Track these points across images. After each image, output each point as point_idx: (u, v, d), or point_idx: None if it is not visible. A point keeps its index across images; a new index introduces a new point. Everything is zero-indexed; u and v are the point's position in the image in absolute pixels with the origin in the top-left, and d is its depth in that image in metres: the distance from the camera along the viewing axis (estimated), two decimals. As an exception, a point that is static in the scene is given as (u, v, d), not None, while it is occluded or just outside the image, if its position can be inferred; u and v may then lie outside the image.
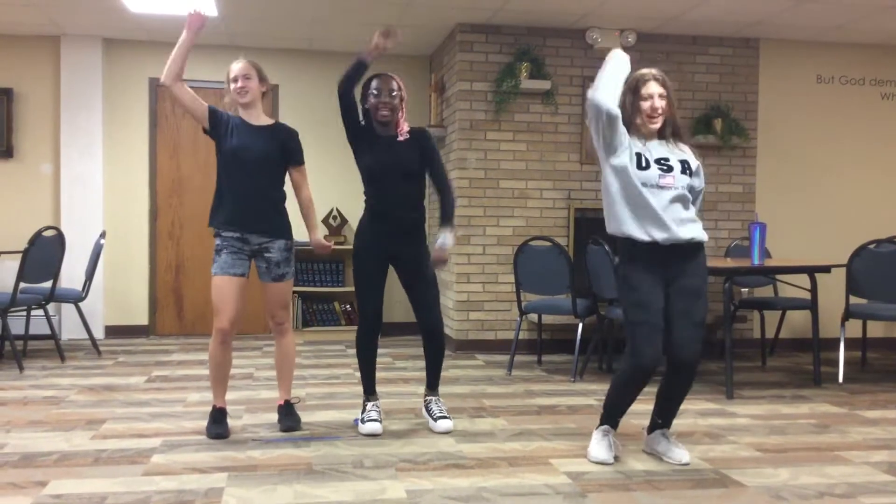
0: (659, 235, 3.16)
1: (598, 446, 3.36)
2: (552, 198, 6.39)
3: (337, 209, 7.08)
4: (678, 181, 3.20)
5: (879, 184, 6.95)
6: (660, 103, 3.20)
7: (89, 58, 6.72)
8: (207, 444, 3.55)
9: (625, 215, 3.22)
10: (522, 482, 3.10)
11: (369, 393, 3.91)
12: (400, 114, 3.80)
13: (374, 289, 3.82)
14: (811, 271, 5.07)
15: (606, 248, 4.94)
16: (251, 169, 3.68)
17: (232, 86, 3.71)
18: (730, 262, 5.31)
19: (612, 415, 3.40)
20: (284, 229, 3.78)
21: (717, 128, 6.39)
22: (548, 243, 5.37)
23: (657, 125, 3.23)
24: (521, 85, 6.15)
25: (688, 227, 3.20)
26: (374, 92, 3.78)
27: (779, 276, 6.02)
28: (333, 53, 7.17)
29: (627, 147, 3.20)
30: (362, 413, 3.85)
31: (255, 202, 3.69)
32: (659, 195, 3.17)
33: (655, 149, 3.24)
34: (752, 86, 6.66)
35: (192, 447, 3.52)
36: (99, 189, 6.79)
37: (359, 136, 3.80)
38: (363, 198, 3.86)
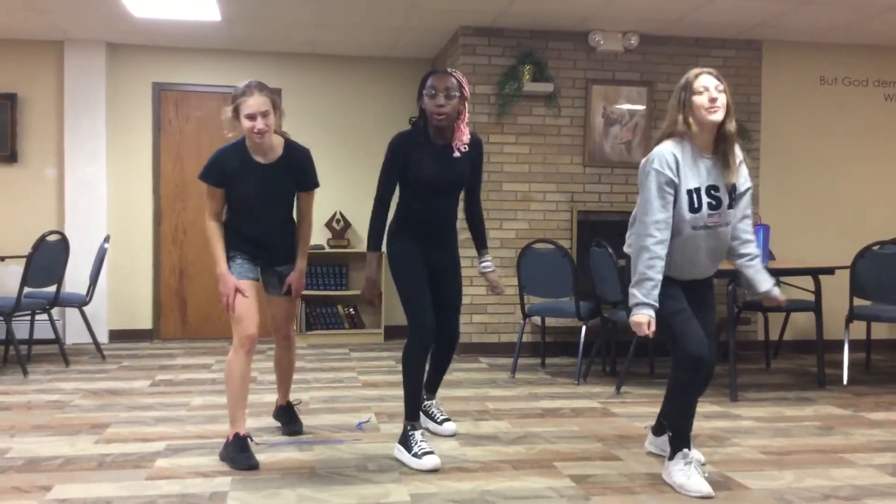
0: (688, 275, 3.09)
1: (692, 478, 3.01)
2: (555, 200, 6.39)
3: (340, 213, 7.09)
4: (724, 217, 3.03)
5: (883, 185, 6.94)
6: (718, 94, 2.94)
7: (93, 62, 6.74)
8: (211, 448, 3.55)
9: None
10: (526, 485, 3.10)
11: (415, 418, 3.45)
12: (460, 117, 3.40)
13: (426, 299, 3.44)
14: (815, 273, 5.06)
15: (609, 250, 4.94)
16: (265, 215, 3.46)
17: (246, 123, 3.26)
18: (732, 265, 5.29)
19: (683, 434, 3.10)
20: (291, 256, 3.60)
21: (720, 130, 6.38)
22: (551, 246, 5.37)
23: (719, 117, 2.93)
24: (523, 88, 6.15)
25: (713, 266, 3.13)
26: (430, 91, 3.32)
27: (782, 278, 6.00)
28: (336, 57, 7.18)
29: (676, 195, 2.98)
30: (406, 443, 3.38)
31: (273, 238, 3.51)
32: (705, 236, 3.03)
33: (707, 172, 2.99)
34: (755, 87, 6.65)
35: (196, 451, 3.52)
36: (103, 193, 6.80)
37: (409, 157, 3.41)
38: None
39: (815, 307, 5.13)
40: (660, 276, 2.95)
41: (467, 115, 3.47)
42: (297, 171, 3.49)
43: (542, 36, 6.32)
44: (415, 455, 3.31)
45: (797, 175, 6.79)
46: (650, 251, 2.95)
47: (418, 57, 7.15)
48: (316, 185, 3.58)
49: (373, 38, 6.65)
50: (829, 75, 6.86)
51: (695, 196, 2.98)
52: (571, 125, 6.41)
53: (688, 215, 2.98)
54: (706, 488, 2.98)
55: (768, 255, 5.07)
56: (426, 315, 3.42)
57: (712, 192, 3.00)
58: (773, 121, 6.73)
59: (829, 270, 5.06)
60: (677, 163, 2.97)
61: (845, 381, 5.11)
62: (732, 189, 3.05)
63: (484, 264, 3.69)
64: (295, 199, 3.59)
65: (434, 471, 3.25)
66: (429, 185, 3.42)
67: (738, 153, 3.08)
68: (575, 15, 5.93)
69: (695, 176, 2.99)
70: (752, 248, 3.16)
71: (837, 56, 6.83)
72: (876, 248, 5.06)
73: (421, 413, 3.88)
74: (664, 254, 2.96)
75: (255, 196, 3.41)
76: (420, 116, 3.44)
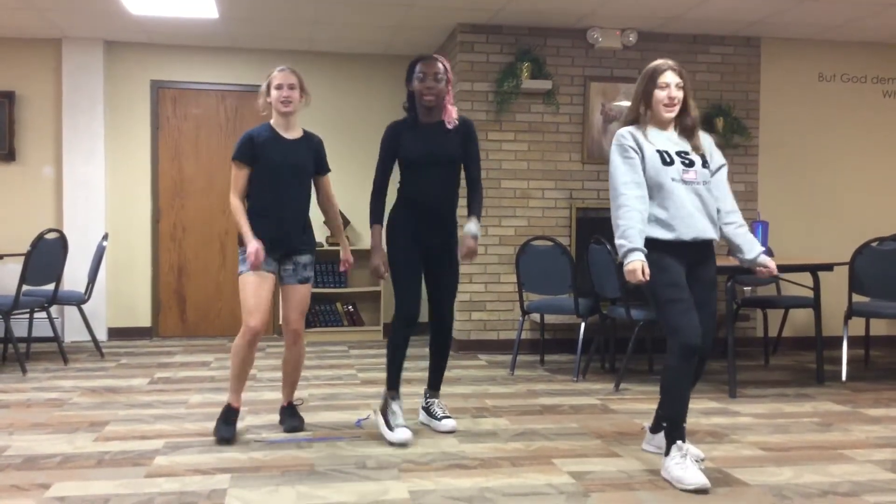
0: (688, 229, 3.13)
1: (688, 470, 3.03)
2: (554, 197, 6.39)
3: (339, 210, 7.07)
4: (700, 176, 3.18)
5: (882, 181, 6.94)
6: (677, 93, 3.16)
7: (91, 60, 6.73)
8: (210, 446, 3.56)
9: (650, 213, 3.14)
10: (525, 482, 3.10)
11: (394, 388, 3.74)
12: (447, 97, 3.69)
13: (414, 283, 3.70)
14: (814, 269, 5.06)
15: (608, 247, 4.94)
16: (290, 184, 3.66)
17: (274, 93, 3.65)
18: (732, 261, 5.29)
19: (677, 424, 3.13)
20: (313, 240, 3.84)
21: (718, 127, 6.39)
22: (550, 243, 5.37)
23: (673, 114, 3.19)
24: (522, 85, 6.15)
25: (709, 224, 3.19)
26: (419, 76, 3.64)
27: (781, 275, 6.00)
28: (334, 54, 7.18)
29: (643, 157, 3.15)
30: (385, 413, 3.69)
31: (293, 218, 3.69)
32: (686, 189, 3.14)
33: (673, 141, 3.21)
34: (754, 84, 6.65)
35: (195, 449, 3.52)
36: (101, 191, 6.79)
37: (400, 140, 3.69)
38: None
39: (814, 304, 5.13)
40: (642, 226, 3.09)
41: (452, 95, 3.75)
42: (315, 151, 3.80)
43: (541, 33, 6.32)
44: (388, 427, 3.62)
45: (796, 172, 6.80)
46: (626, 206, 3.11)
47: (416, 54, 7.13)
48: (329, 169, 3.91)
49: (370, 36, 6.64)
50: (827, 72, 6.86)
51: (665, 154, 3.16)
52: (570, 122, 6.41)
53: (662, 167, 3.13)
54: (702, 480, 2.99)
55: (767, 252, 5.05)
56: (412, 301, 3.66)
57: (682, 154, 3.19)
58: (771, 117, 6.73)
59: (828, 267, 5.06)
60: (634, 136, 3.18)
61: (844, 378, 5.12)
62: (703, 157, 3.22)
63: (466, 227, 3.73)
64: (312, 187, 3.85)
65: (403, 445, 3.52)
66: (420, 159, 3.64)
67: (706, 140, 3.30)
68: (573, 12, 5.93)
69: (659, 143, 3.18)
70: (738, 217, 3.32)
71: (836, 53, 6.83)
72: (875, 244, 5.06)
73: (422, 411, 3.97)
74: (643, 209, 3.11)
75: (281, 164, 3.65)
76: (409, 99, 3.74)
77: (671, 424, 3.14)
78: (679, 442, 3.10)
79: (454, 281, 3.83)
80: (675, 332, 3.08)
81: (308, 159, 3.74)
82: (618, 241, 3.10)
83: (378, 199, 3.73)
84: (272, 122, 3.72)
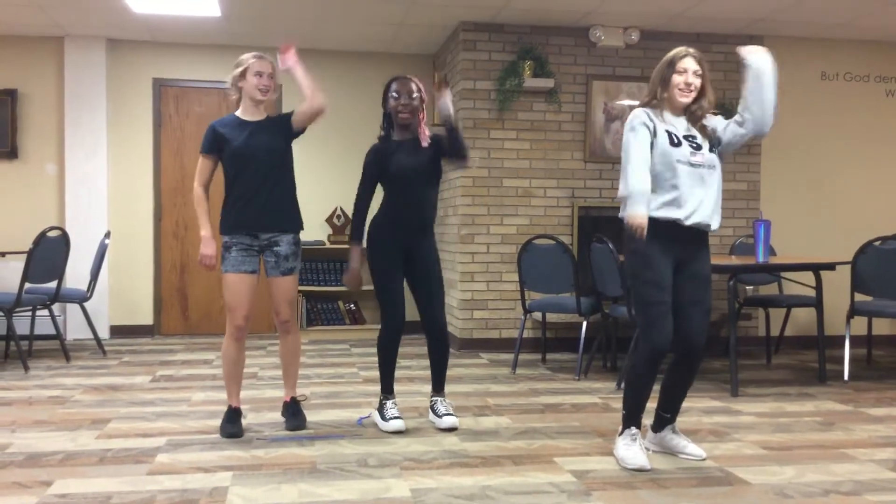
0: (683, 213, 3.17)
1: (631, 451, 3.25)
2: (556, 196, 6.39)
3: (341, 209, 7.08)
4: (707, 159, 3.22)
5: (884, 181, 6.93)
6: (694, 80, 3.20)
7: (93, 58, 6.73)
8: (212, 444, 3.56)
9: (653, 192, 3.18)
10: (527, 480, 3.10)
11: (388, 392, 3.91)
12: (421, 115, 3.83)
13: (398, 286, 3.82)
14: (816, 269, 5.06)
15: (610, 245, 4.94)
16: (256, 163, 3.66)
17: (253, 80, 3.65)
18: (735, 260, 5.30)
19: (634, 414, 3.30)
20: (293, 222, 3.78)
21: (721, 125, 6.38)
22: (552, 241, 5.36)
23: (688, 100, 3.23)
24: (524, 83, 6.14)
25: (712, 209, 3.23)
26: (394, 94, 3.80)
27: (784, 274, 6.00)
28: (337, 52, 7.17)
29: (655, 134, 3.20)
30: (381, 410, 3.85)
31: (262, 196, 3.68)
32: (691, 172, 3.18)
33: (682, 126, 3.25)
34: (756, 83, 6.63)
35: (197, 446, 3.52)
36: (103, 189, 6.80)
37: (380, 163, 3.80)
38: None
39: (817, 303, 5.13)
40: (647, 188, 3.13)
41: (426, 115, 3.88)
42: (281, 122, 3.77)
43: (543, 31, 6.31)
44: (384, 419, 3.81)
45: (798, 170, 6.79)
46: (636, 171, 3.15)
47: (419, 52, 7.14)
48: (293, 111, 3.80)
49: (373, 34, 6.64)
50: (830, 71, 6.85)
51: (674, 136, 3.20)
52: (572, 121, 6.40)
53: (670, 148, 3.17)
54: (642, 461, 3.19)
55: (769, 251, 5.06)
56: (398, 307, 3.82)
57: (690, 139, 3.24)
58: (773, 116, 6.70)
59: (831, 266, 5.06)
60: (648, 115, 3.23)
61: (846, 377, 5.11)
62: (711, 144, 3.27)
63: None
64: (292, 163, 3.82)
65: (397, 432, 3.72)
66: (403, 175, 3.75)
67: (710, 122, 3.31)
68: (575, 10, 5.92)
69: (669, 125, 3.24)
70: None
71: (839, 51, 6.82)
72: (877, 243, 5.06)
73: (430, 410, 4.01)
74: (646, 189, 3.14)
75: (248, 146, 3.65)
76: (384, 119, 3.88)
77: (629, 413, 3.30)
78: (633, 428, 3.28)
79: (441, 289, 3.90)
80: (646, 333, 3.20)
81: (275, 137, 3.71)
82: (621, 193, 3.16)
83: (358, 218, 3.83)
84: (240, 110, 3.75)
